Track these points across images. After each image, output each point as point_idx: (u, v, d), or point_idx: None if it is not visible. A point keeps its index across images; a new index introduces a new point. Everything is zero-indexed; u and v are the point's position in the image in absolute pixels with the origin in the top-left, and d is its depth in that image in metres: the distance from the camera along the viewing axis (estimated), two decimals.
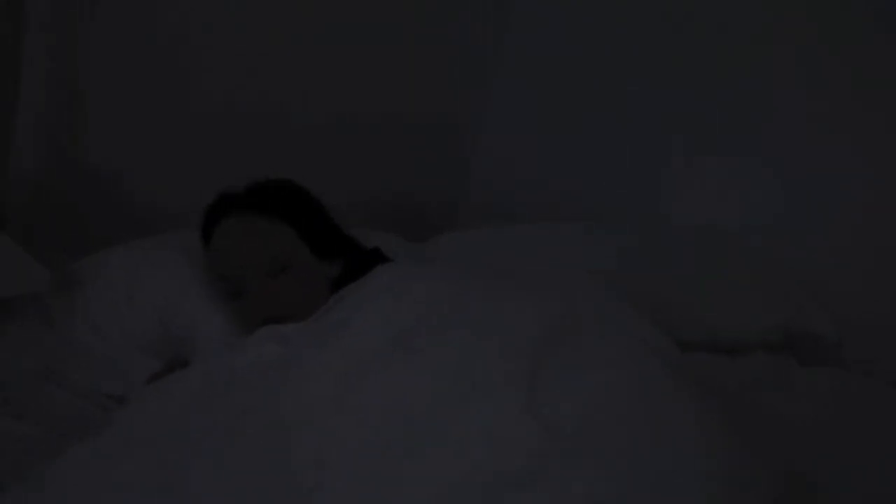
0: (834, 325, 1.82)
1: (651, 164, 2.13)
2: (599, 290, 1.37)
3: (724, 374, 1.61)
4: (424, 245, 1.91)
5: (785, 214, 1.92)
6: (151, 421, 1.22)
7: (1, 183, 1.59)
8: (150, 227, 1.65)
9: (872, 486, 1.31)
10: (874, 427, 1.50)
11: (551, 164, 2.29)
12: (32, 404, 1.39)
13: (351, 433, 1.10)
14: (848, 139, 1.85)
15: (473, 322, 1.22)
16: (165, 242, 1.63)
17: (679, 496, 1.03)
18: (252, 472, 1.10)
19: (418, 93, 2.25)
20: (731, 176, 2.00)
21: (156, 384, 1.33)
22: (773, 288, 1.85)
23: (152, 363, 1.48)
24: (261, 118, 2.02)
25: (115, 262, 1.58)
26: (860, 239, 1.84)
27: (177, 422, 1.21)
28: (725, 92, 2.00)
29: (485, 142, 2.40)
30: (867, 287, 1.84)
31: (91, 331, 1.52)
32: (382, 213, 2.05)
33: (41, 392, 1.42)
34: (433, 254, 1.87)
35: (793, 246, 1.90)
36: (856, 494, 1.28)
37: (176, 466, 1.12)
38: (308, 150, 2.10)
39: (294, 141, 2.08)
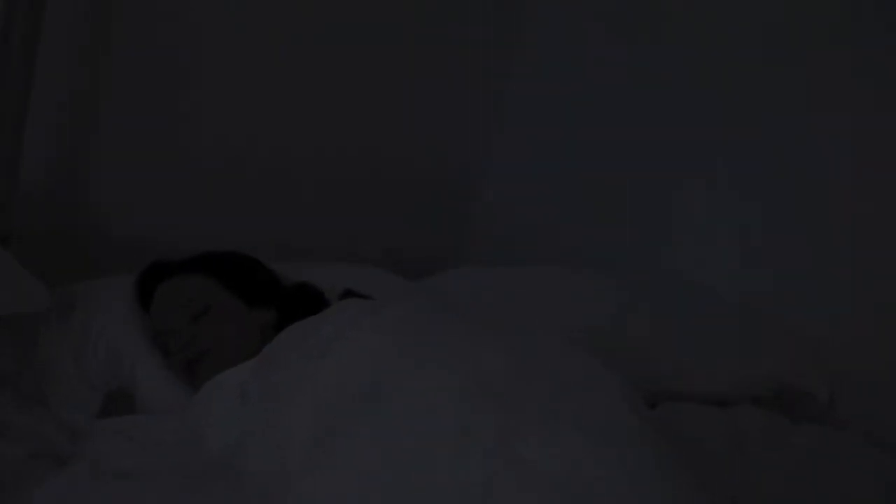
0: (825, 382, 1.82)
1: (651, 216, 2.13)
2: (562, 343, 1.36)
3: (710, 426, 1.61)
4: (418, 283, 1.91)
5: (782, 270, 1.92)
6: (122, 464, 1.25)
7: (8, 200, 1.61)
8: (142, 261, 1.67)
9: None
10: (853, 488, 1.51)
11: (552, 212, 2.30)
12: (23, 425, 1.40)
13: (325, 496, 1.10)
14: (850, 191, 1.85)
15: (438, 371, 1.22)
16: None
17: None
18: None
19: (419, 135, 2.27)
20: (729, 231, 2.00)
21: (121, 424, 1.36)
22: (765, 342, 1.85)
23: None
24: (262, 165, 2.06)
25: (79, 295, 1.60)
26: (858, 298, 1.83)
27: (148, 469, 1.23)
28: (730, 152, 2.01)
29: (486, 188, 2.41)
30: (864, 346, 1.83)
31: (53, 358, 1.54)
32: (382, 256, 2.06)
33: (31, 413, 1.44)
34: (426, 291, 1.87)
35: (789, 302, 1.89)
36: None
37: None
38: (305, 192, 2.13)
39: (292, 184, 2.11)
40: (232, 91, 1.96)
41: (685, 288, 1.97)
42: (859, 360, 1.81)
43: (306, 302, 1.55)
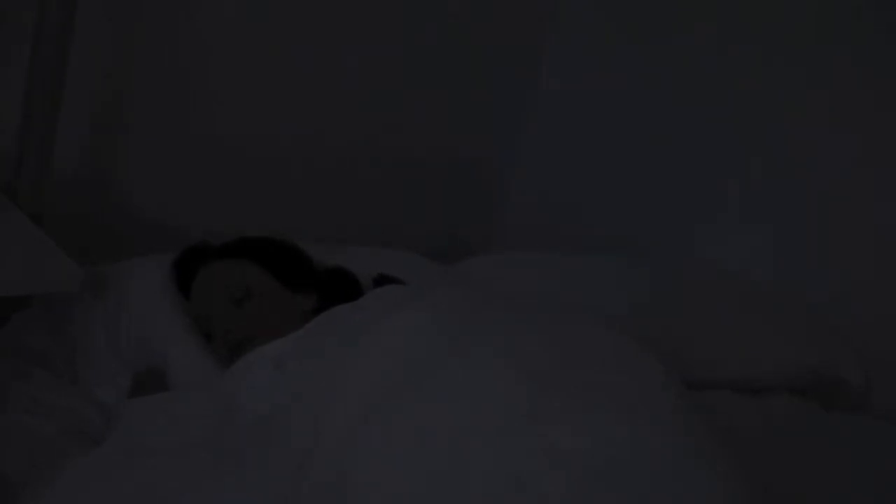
0: (861, 370, 1.80)
1: (684, 204, 2.12)
2: (604, 327, 1.36)
3: (745, 415, 1.60)
4: (451, 267, 1.90)
5: (817, 258, 1.91)
6: (153, 441, 1.25)
7: (42, 181, 1.62)
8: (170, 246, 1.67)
9: None
10: (889, 477, 1.49)
11: (583, 199, 2.29)
12: (55, 403, 1.41)
13: (365, 478, 1.10)
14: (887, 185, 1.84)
15: (480, 356, 1.21)
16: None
17: None
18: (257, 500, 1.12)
19: (450, 122, 2.26)
20: (763, 219, 1.99)
21: (153, 401, 1.36)
22: (800, 330, 1.84)
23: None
24: (290, 151, 2.06)
25: (112, 274, 1.60)
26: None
27: (180, 445, 1.24)
28: (762, 139, 2.00)
29: (517, 174, 2.41)
30: None
31: (85, 336, 1.54)
32: (411, 242, 2.04)
33: (63, 391, 1.45)
34: (459, 276, 1.87)
35: (825, 290, 1.88)
36: None
37: (174, 490, 1.14)
38: (334, 177, 2.13)
39: (321, 170, 2.11)
40: (260, 82, 1.96)
41: (718, 276, 1.96)
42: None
43: (343, 287, 1.55)
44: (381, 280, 1.61)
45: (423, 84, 2.19)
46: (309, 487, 1.12)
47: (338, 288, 1.54)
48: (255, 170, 2.02)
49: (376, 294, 1.40)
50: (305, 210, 2.08)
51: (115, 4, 1.72)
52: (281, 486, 1.15)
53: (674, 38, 2.13)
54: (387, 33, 2.09)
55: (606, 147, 2.26)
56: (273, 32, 1.94)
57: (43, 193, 1.63)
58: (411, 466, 1.09)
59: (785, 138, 1.96)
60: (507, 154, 2.40)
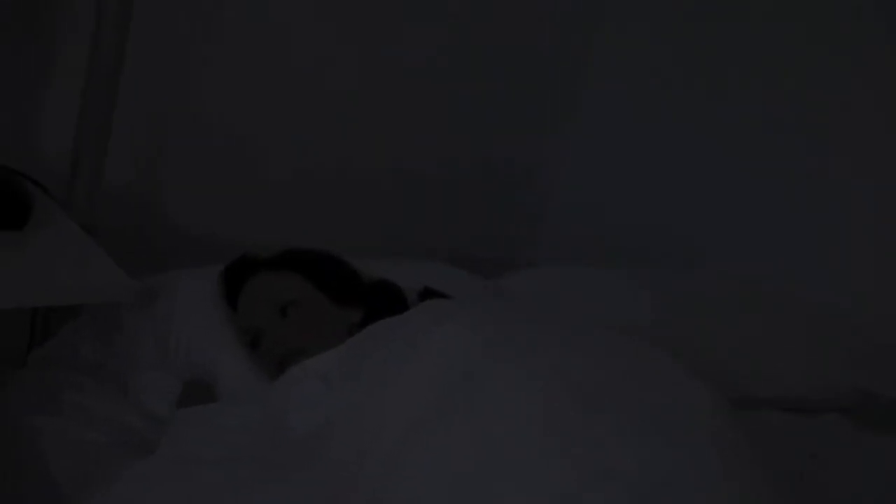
0: None
1: (730, 215, 2.11)
2: (649, 346, 1.35)
3: (791, 434, 1.58)
4: (492, 281, 1.90)
5: (867, 276, 1.88)
6: (201, 452, 1.27)
7: (95, 196, 1.65)
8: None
9: None
10: None
11: (625, 213, 2.29)
12: (105, 412, 1.42)
13: (408, 496, 1.11)
14: None
15: (525, 372, 1.22)
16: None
17: None
18: None
19: (492, 136, 2.27)
20: (810, 236, 1.97)
21: (202, 412, 1.37)
22: (851, 349, 1.81)
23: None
24: (330, 166, 2.08)
25: (162, 285, 1.60)
26: None
27: (226, 456, 1.25)
28: (801, 153, 1.99)
29: (562, 184, 2.41)
30: None
31: (133, 346, 1.55)
32: (452, 255, 2.05)
33: (113, 400, 1.46)
34: (501, 290, 1.86)
35: (875, 308, 1.85)
36: None
37: (221, 502, 1.16)
38: (376, 191, 2.16)
39: (362, 184, 2.13)
40: (301, 97, 1.98)
41: (766, 293, 1.94)
42: None
43: (389, 300, 1.55)
44: (427, 293, 1.61)
45: (469, 95, 2.20)
46: (353, 501, 1.13)
47: (383, 301, 1.55)
48: (297, 183, 2.05)
49: (421, 308, 1.41)
50: (344, 222, 2.10)
51: (165, 25, 1.76)
52: (325, 501, 1.15)
53: (720, 48, 2.12)
54: (427, 40, 2.10)
55: (647, 162, 2.25)
56: (313, 47, 1.96)
57: (96, 205, 1.66)
58: (455, 484, 1.10)
59: (831, 159, 1.93)
60: (549, 165, 2.40)
